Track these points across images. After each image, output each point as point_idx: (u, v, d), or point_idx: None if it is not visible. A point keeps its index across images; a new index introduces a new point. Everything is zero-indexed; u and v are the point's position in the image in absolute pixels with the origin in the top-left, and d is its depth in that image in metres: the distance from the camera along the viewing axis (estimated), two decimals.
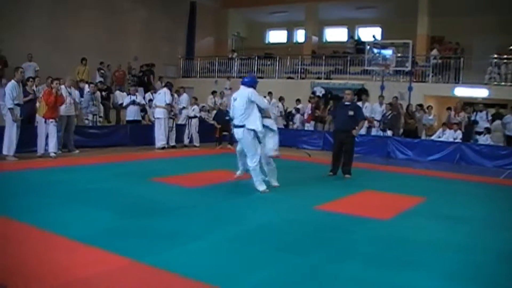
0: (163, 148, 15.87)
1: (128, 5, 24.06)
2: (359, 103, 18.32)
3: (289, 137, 18.60)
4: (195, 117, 17.75)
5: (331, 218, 7.37)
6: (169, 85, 16.80)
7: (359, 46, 25.95)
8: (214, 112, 19.51)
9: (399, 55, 19.95)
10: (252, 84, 9.28)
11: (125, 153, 14.33)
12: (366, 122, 18.16)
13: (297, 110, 20.88)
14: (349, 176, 11.48)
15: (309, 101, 20.28)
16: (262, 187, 9.06)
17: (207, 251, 5.45)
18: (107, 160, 12.63)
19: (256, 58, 25.88)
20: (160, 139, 15.96)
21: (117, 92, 19.31)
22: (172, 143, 16.65)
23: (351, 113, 11.49)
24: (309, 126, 20.02)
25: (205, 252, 5.42)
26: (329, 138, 17.90)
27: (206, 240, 5.84)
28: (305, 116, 20.22)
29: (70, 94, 13.45)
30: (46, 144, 12.54)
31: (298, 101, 20.95)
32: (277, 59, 25.37)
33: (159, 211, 7.32)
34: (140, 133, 16.73)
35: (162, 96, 16.14)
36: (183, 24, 27.30)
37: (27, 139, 12.47)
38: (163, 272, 4.66)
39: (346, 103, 11.87)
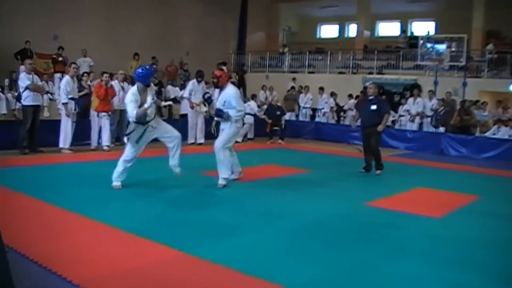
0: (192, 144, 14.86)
1: (180, 0, 24.31)
2: (411, 99, 18.19)
3: (340, 133, 18.50)
4: None
5: (383, 215, 7.31)
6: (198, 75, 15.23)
7: (412, 40, 25.61)
8: (265, 107, 19.52)
9: (453, 49, 19.55)
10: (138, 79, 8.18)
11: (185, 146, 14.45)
12: (418, 117, 18.04)
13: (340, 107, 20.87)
14: (380, 171, 11.12)
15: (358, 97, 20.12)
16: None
17: (258, 245, 5.50)
18: (159, 153, 12.77)
19: (307, 53, 25.80)
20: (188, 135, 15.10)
21: (169, 87, 19.54)
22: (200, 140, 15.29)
23: (373, 107, 11.02)
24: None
25: (256, 246, 5.47)
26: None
27: (257, 234, 5.90)
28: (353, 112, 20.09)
29: (123, 88, 13.67)
30: (100, 137, 12.83)
31: (350, 96, 20.77)
32: (329, 54, 25.24)
33: (211, 204, 7.45)
34: None
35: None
36: (234, 18, 27.40)
37: (82, 133, 12.77)
38: (213, 265, 4.73)
39: (370, 97, 11.39)
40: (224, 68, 9.13)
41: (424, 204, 8.25)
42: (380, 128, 10.93)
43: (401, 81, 21.62)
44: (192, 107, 14.71)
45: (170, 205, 7.20)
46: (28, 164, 10.13)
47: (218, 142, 8.82)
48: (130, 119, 8.02)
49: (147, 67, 9.07)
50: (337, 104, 21.16)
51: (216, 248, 5.23)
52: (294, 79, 22.96)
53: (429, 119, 18.01)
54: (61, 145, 12.00)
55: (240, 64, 26.68)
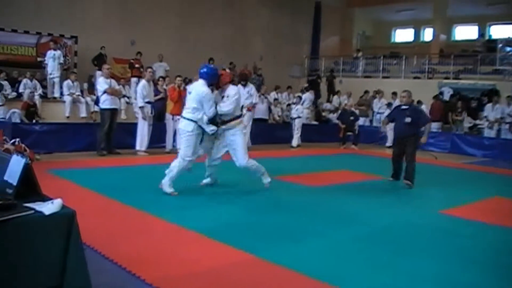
0: None
1: (254, 5, 24.49)
2: (489, 105, 17.69)
3: None
4: (298, 117, 16.97)
5: (457, 223, 7.13)
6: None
7: (490, 44, 24.91)
8: (339, 112, 19.42)
9: None
10: (208, 78, 8.00)
11: (251, 151, 14.53)
12: (496, 124, 17.48)
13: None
14: (409, 182, 9.87)
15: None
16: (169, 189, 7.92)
17: (328, 250, 5.47)
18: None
19: (382, 57, 25.49)
20: None
21: None
22: None
23: (408, 120, 9.89)
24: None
25: (326, 251, 5.45)
26: (457, 140, 17.36)
27: (328, 239, 5.87)
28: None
29: None
30: (175, 140, 13.08)
31: (419, 102, 20.31)
32: (403, 58, 24.86)
33: (283, 209, 7.44)
34: (265, 132, 16.93)
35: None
36: (308, 23, 27.39)
37: (158, 136, 13.08)
38: (282, 268, 4.74)
39: (403, 107, 10.24)
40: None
41: (502, 214, 7.99)
42: (423, 140, 10.15)
43: (478, 86, 21.03)
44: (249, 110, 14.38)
45: (243, 209, 7.25)
46: (105, 165, 10.43)
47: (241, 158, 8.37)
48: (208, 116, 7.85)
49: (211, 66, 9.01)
50: None
51: (285, 252, 5.24)
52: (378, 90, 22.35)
53: (507, 126, 17.47)
54: (137, 147, 12.31)
55: (328, 69, 26.24)
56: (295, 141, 16.78)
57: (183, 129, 8.03)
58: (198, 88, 7.98)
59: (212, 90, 8.14)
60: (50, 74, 15.64)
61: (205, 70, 8.13)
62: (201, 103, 7.82)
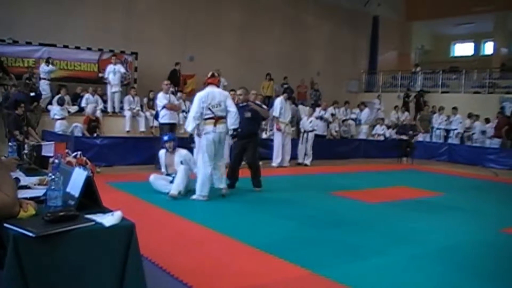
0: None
1: (312, 20, 24.56)
2: None
3: (474, 155, 17.80)
4: (312, 130, 15.28)
5: None
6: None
7: None
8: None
9: None
10: None
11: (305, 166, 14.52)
12: None
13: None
14: (259, 189, 9.65)
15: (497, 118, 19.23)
16: None
17: (388, 268, 5.38)
18: (290, 172, 12.92)
19: (441, 72, 25.09)
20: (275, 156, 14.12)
21: (300, 106, 19.70)
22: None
23: (248, 115, 9.83)
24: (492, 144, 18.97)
25: (385, 269, 5.36)
26: None
27: (387, 257, 5.77)
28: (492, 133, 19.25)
29: None
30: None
31: (486, 120, 19.89)
32: (463, 72, 24.41)
33: (340, 225, 7.37)
34: (323, 148, 16.78)
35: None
36: (365, 38, 27.28)
37: None
38: (341, 286, 4.68)
39: (241, 104, 9.97)
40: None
41: None
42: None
43: None
44: (279, 129, 13.90)
45: (299, 224, 7.23)
46: None
47: None
48: None
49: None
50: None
51: (344, 269, 5.19)
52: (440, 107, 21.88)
53: None
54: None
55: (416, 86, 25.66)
56: (307, 158, 15.02)
57: None
58: None
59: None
60: (111, 88, 16.11)
61: None
62: None
